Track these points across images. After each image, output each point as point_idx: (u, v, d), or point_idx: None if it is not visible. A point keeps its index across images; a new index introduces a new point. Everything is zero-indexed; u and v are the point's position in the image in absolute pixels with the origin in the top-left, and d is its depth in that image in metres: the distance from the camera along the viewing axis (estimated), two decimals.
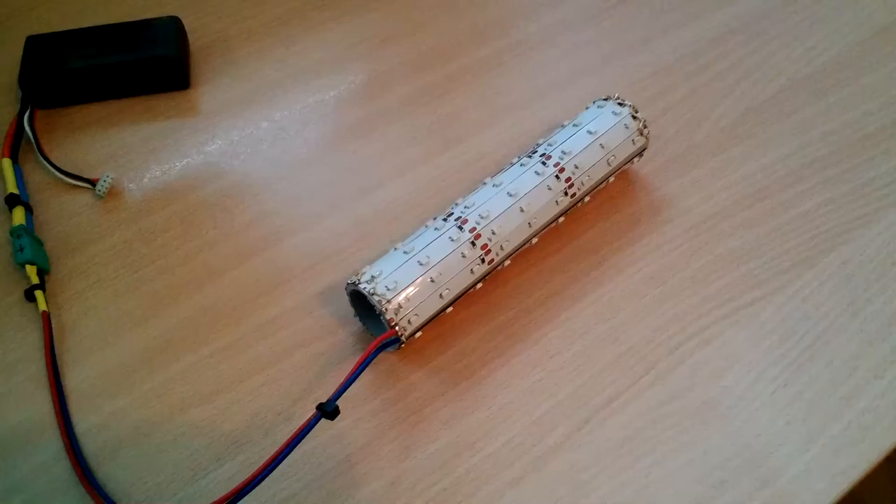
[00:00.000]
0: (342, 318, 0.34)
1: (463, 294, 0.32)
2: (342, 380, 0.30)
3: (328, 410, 0.27)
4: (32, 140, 0.38)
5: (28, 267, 0.34)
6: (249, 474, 0.27)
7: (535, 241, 0.34)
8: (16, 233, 0.34)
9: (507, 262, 0.34)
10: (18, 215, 0.35)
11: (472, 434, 0.31)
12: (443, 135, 0.40)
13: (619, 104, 0.36)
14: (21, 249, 0.34)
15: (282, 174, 0.38)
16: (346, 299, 0.33)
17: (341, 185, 0.38)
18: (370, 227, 0.37)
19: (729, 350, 0.33)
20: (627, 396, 0.32)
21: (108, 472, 0.30)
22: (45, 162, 0.38)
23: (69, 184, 0.38)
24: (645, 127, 0.36)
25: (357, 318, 0.33)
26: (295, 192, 0.38)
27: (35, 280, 0.33)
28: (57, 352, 0.32)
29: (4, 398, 0.32)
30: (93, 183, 0.37)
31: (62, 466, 0.30)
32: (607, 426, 0.31)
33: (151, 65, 0.40)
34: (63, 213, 0.37)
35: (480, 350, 0.33)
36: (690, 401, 0.32)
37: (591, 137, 0.35)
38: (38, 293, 0.33)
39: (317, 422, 0.27)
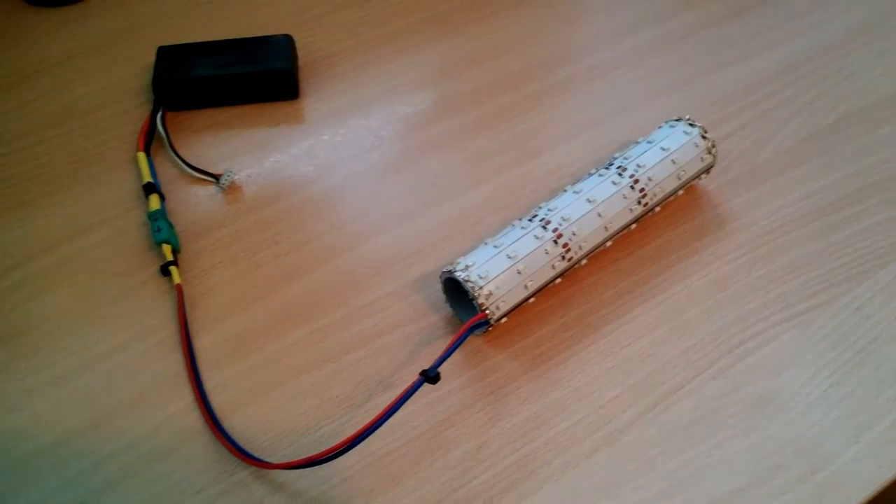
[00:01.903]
0: (433, 304, 0.38)
1: (544, 287, 0.36)
2: (435, 356, 0.34)
3: (431, 376, 0.31)
4: (164, 137, 0.43)
5: (164, 246, 0.39)
6: (355, 431, 0.31)
7: (609, 244, 0.38)
8: (153, 216, 0.39)
9: (584, 262, 0.38)
10: (154, 201, 0.40)
11: (549, 411, 0.35)
12: (523, 147, 0.44)
13: (690, 125, 0.40)
14: (159, 230, 0.39)
15: (380, 176, 0.43)
16: (437, 287, 0.38)
17: (432, 189, 0.42)
18: (457, 226, 0.41)
19: (786, 351, 0.36)
20: (692, 386, 0.35)
21: (231, 425, 0.34)
22: (175, 157, 0.43)
23: (195, 177, 0.43)
24: (713, 146, 0.40)
25: (448, 304, 0.37)
26: (391, 192, 0.42)
27: (170, 257, 0.38)
28: (187, 320, 0.37)
29: (143, 356, 0.36)
30: (216, 177, 0.42)
31: (193, 417, 0.34)
32: (673, 411, 0.34)
33: (267, 77, 0.45)
34: (189, 202, 0.42)
35: (557, 338, 0.37)
36: (749, 393, 0.35)
37: (663, 153, 0.39)
38: (173, 268, 0.38)
39: (420, 385, 0.31)
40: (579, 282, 0.38)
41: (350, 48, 0.49)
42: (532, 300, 0.36)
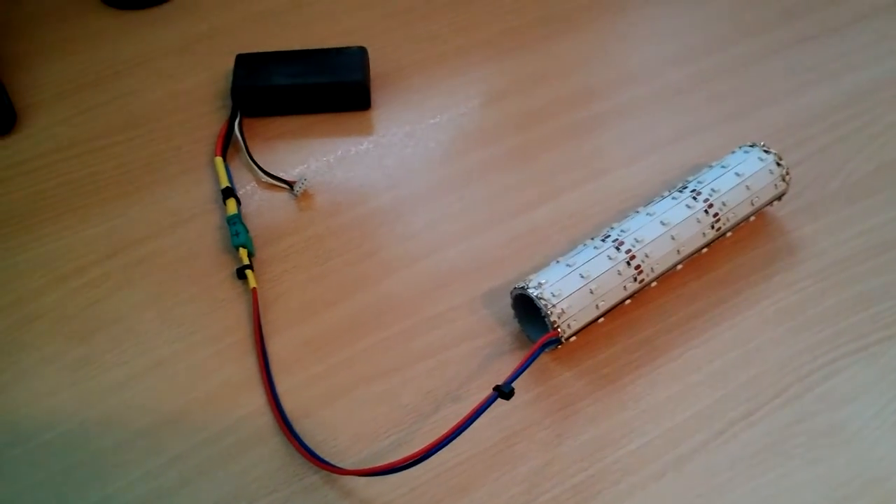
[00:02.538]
0: (500, 318, 0.38)
1: (614, 307, 0.37)
2: (502, 370, 0.35)
3: (505, 391, 0.32)
4: (242, 143, 0.45)
5: (241, 250, 0.40)
6: (425, 442, 0.32)
7: (679, 267, 0.38)
8: (232, 220, 0.41)
9: (654, 284, 0.38)
10: (232, 206, 0.41)
11: (616, 431, 0.35)
12: (591, 167, 0.44)
13: (765, 151, 0.40)
14: (237, 234, 0.40)
15: (449, 189, 0.44)
16: (505, 302, 0.38)
17: (500, 204, 0.43)
18: (525, 242, 0.41)
19: (855, 382, 0.36)
20: (761, 414, 0.35)
21: (302, 428, 0.35)
22: (251, 163, 0.44)
23: (269, 183, 0.44)
24: (787, 174, 0.40)
25: (516, 320, 0.38)
26: (460, 206, 0.43)
27: (246, 261, 0.39)
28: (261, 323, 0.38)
29: (217, 356, 0.37)
30: (290, 185, 0.43)
31: (266, 419, 0.35)
32: (741, 438, 0.34)
33: (342, 88, 0.46)
34: (264, 207, 0.43)
35: (625, 359, 0.37)
36: (818, 423, 0.35)
37: (738, 179, 0.39)
38: (249, 272, 0.39)
39: (494, 400, 0.32)
40: (648, 303, 0.39)
41: (421, 61, 0.50)
42: (601, 320, 0.37)
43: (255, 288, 0.39)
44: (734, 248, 0.40)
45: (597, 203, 0.43)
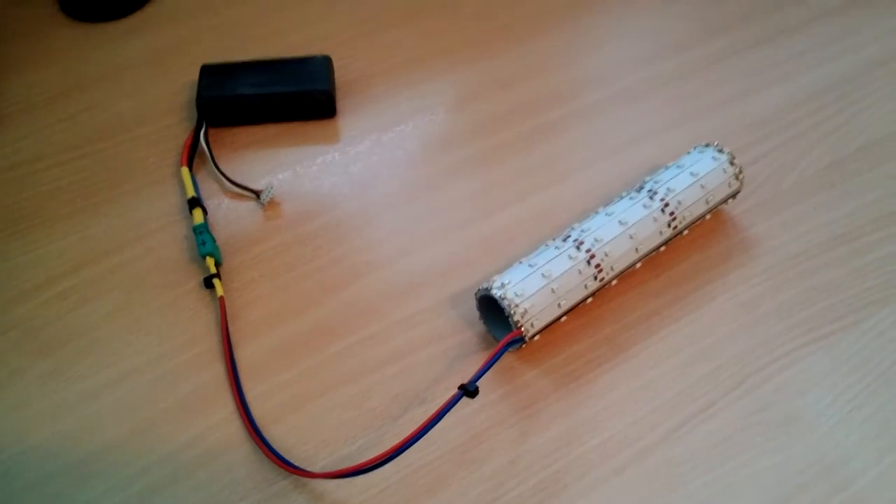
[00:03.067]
0: (467, 319, 0.39)
1: (576, 306, 0.37)
2: (469, 371, 0.35)
3: (470, 390, 0.33)
4: (207, 153, 0.45)
5: (208, 259, 0.40)
6: (392, 444, 0.32)
7: (638, 265, 0.39)
8: (198, 230, 0.41)
9: (615, 282, 0.39)
10: (198, 215, 0.42)
11: (579, 428, 0.36)
12: (554, 170, 0.45)
13: (719, 151, 0.41)
14: (203, 244, 0.40)
15: (415, 195, 0.44)
16: (472, 303, 0.39)
17: (466, 208, 0.44)
18: (490, 244, 0.42)
19: (810, 373, 0.37)
20: (720, 406, 0.36)
21: (271, 435, 0.35)
22: (217, 172, 0.44)
23: (236, 192, 0.44)
24: (741, 172, 0.41)
25: (482, 321, 0.39)
26: (426, 210, 0.44)
27: (213, 270, 0.40)
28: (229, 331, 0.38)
29: (185, 366, 0.38)
30: (257, 193, 0.44)
31: (235, 426, 0.36)
32: (701, 430, 0.35)
33: (307, 96, 0.47)
34: (230, 216, 0.43)
35: (587, 357, 0.38)
36: (775, 413, 0.36)
37: (692, 178, 0.40)
38: (216, 281, 0.39)
39: (459, 399, 0.33)
40: (608, 302, 0.39)
41: (386, 69, 0.50)
42: (563, 319, 0.38)
43: (222, 297, 0.39)
44: (691, 247, 0.41)
45: (560, 204, 0.44)
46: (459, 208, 0.44)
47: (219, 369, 0.37)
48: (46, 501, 0.34)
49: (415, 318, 0.39)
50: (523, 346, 0.37)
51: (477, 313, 0.39)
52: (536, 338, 0.37)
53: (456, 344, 0.38)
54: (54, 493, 0.34)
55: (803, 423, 0.36)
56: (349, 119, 0.48)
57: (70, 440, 0.35)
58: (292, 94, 0.47)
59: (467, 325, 0.39)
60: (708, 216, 0.41)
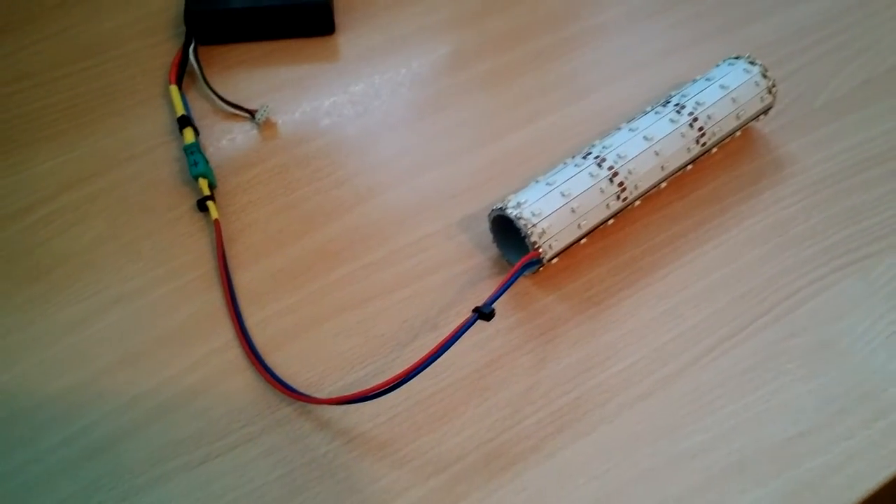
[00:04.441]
0: (479, 244, 0.37)
1: (597, 227, 0.35)
2: (481, 296, 0.33)
3: (485, 312, 0.30)
4: (198, 70, 0.42)
5: (200, 180, 0.37)
6: (400, 370, 0.30)
7: (664, 185, 0.37)
8: (189, 149, 0.38)
9: (638, 203, 0.36)
10: (189, 135, 0.39)
11: (600, 353, 0.33)
12: (571, 88, 0.42)
13: (751, 63, 0.38)
14: (195, 164, 0.37)
15: (421, 115, 0.41)
16: (483, 228, 0.36)
17: (477, 128, 0.41)
18: (503, 167, 0.39)
19: (846, 297, 0.35)
20: (750, 331, 0.34)
21: (274, 362, 0.33)
22: (209, 91, 0.41)
23: (229, 112, 0.41)
24: (774, 86, 0.38)
25: (495, 244, 0.36)
26: (434, 131, 0.41)
27: (207, 192, 0.37)
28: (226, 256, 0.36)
29: (179, 292, 0.35)
30: (252, 113, 0.41)
31: (234, 353, 0.33)
32: (731, 356, 0.33)
33: (303, 10, 0.43)
34: (224, 138, 0.41)
35: (609, 281, 0.35)
36: (809, 339, 0.34)
37: (723, 91, 0.37)
38: (210, 203, 0.37)
39: (473, 322, 0.30)
40: (631, 224, 0.37)
41: None
42: (583, 241, 0.35)
43: (217, 220, 0.36)
44: (719, 166, 0.39)
45: (577, 125, 0.41)
46: (468, 129, 0.41)
47: (215, 295, 0.35)
48: (36, 430, 0.32)
49: (422, 242, 0.37)
50: (540, 269, 0.34)
51: (489, 236, 0.36)
52: (554, 261, 0.34)
53: (467, 269, 0.36)
54: (44, 421, 0.32)
55: (839, 349, 0.33)
56: (349, 36, 0.45)
57: (58, 368, 0.33)
58: (287, 7, 0.43)
59: (479, 250, 0.37)
60: (738, 133, 0.38)
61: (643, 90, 0.42)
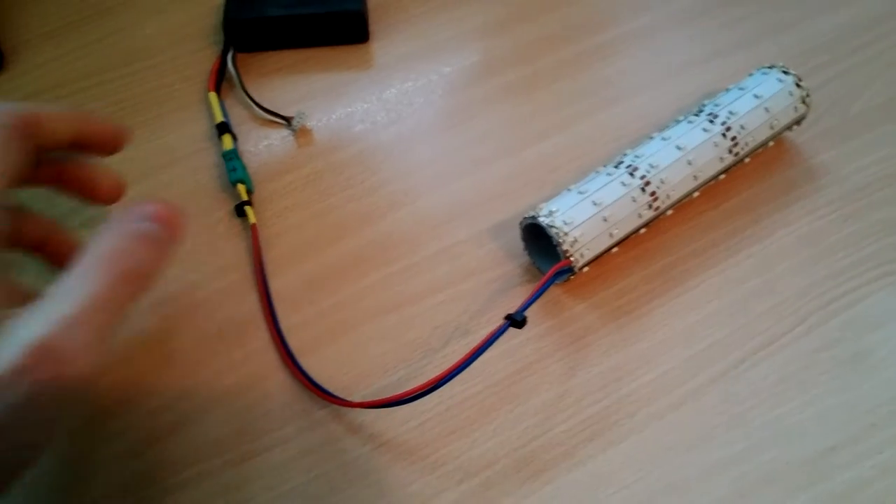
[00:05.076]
0: (509, 251, 0.37)
1: (628, 236, 0.35)
2: (512, 303, 0.33)
3: (517, 320, 0.31)
4: (235, 78, 0.43)
5: (239, 186, 0.38)
6: (433, 375, 0.31)
7: (696, 194, 0.37)
8: (228, 156, 0.39)
9: (670, 212, 0.36)
10: (227, 141, 0.40)
11: (631, 363, 0.34)
12: (603, 95, 0.43)
13: (784, 72, 0.38)
14: (234, 170, 0.38)
15: (453, 122, 0.42)
16: (514, 235, 0.37)
17: (508, 135, 0.41)
18: (534, 174, 0.40)
19: (880, 310, 0.35)
20: (782, 343, 0.34)
21: (308, 365, 0.34)
22: (246, 98, 0.42)
23: (265, 119, 0.42)
24: (808, 95, 0.38)
25: (526, 252, 0.36)
26: (465, 139, 0.41)
27: (244, 197, 0.38)
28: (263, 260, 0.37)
29: (218, 295, 0.36)
30: (288, 120, 0.42)
31: (270, 355, 0.34)
32: (762, 367, 0.33)
33: (339, 18, 0.44)
34: (260, 144, 0.41)
35: (640, 290, 0.36)
36: (842, 351, 0.33)
37: (756, 101, 0.37)
38: (248, 208, 0.38)
39: (506, 329, 0.31)
40: (662, 233, 0.37)
41: None
42: (615, 250, 0.35)
43: (254, 224, 0.37)
44: (751, 176, 0.39)
45: (608, 132, 0.41)
46: (499, 136, 0.41)
47: (252, 299, 0.36)
48: (77, 428, 0.32)
49: (454, 249, 0.37)
50: (571, 277, 0.35)
51: (520, 244, 0.36)
52: (585, 269, 0.35)
53: (498, 276, 0.36)
54: (86, 419, 0.33)
55: (873, 361, 0.33)
56: (382, 44, 0.45)
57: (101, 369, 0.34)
58: (323, 16, 0.44)
59: (509, 258, 0.37)
60: (771, 143, 0.38)
61: (675, 98, 0.42)
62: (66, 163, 0.29)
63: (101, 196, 0.30)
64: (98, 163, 0.31)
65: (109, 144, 0.29)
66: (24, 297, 0.23)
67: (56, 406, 0.21)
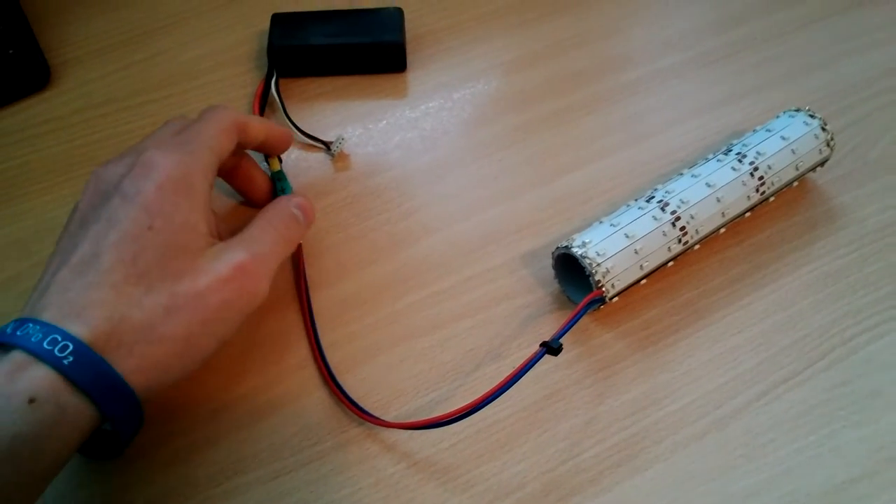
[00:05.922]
0: (540, 279, 0.38)
1: (658, 269, 0.36)
2: (543, 330, 0.35)
3: (553, 347, 0.32)
4: (279, 102, 0.44)
5: None
6: (465, 398, 0.32)
7: (722, 230, 0.38)
8: (277, 176, 0.40)
9: (697, 247, 0.37)
10: (275, 163, 0.41)
11: (657, 392, 0.35)
12: (632, 130, 0.44)
13: (811, 116, 0.39)
14: (282, 190, 0.40)
15: (487, 152, 0.43)
16: (545, 263, 0.38)
17: (539, 167, 0.43)
18: (565, 205, 0.41)
19: None
20: (804, 377, 0.35)
21: (345, 383, 0.35)
22: (289, 122, 0.44)
23: (306, 143, 0.44)
24: (832, 139, 0.39)
25: (556, 281, 0.38)
26: (497, 168, 0.43)
27: None
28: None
29: (260, 310, 0.37)
30: (327, 145, 0.43)
31: (309, 371, 0.35)
32: (784, 400, 0.34)
33: (379, 49, 0.46)
34: (300, 167, 0.43)
35: (666, 321, 0.37)
36: (862, 386, 0.35)
37: (783, 143, 0.38)
38: None
39: (542, 356, 0.32)
40: (688, 266, 0.38)
41: (456, 24, 0.49)
42: (643, 282, 0.37)
43: (300, 243, 0.39)
44: (775, 214, 0.40)
45: (637, 167, 0.42)
46: (531, 167, 0.43)
47: (292, 315, 0.37)
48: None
49: (486, 275, 0.39)
50: (601, 307, 0.36)
51: (551, 272, 0.38)
52: (615, 299, 0.36)
53: (529, 302, 0.38)
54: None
55: (892, 397, 0.34)
56: (419, 74, 0.47)
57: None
58: (363, 46, 0.46)
59: (540, 285, 0.38)
60: (795, 183, 0.39)
61: (702, 135, 0.43)
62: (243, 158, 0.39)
63: (255, 194, 0.40)
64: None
65: (283, 146, 0.39)
66: (219, 230, 0.34)
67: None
